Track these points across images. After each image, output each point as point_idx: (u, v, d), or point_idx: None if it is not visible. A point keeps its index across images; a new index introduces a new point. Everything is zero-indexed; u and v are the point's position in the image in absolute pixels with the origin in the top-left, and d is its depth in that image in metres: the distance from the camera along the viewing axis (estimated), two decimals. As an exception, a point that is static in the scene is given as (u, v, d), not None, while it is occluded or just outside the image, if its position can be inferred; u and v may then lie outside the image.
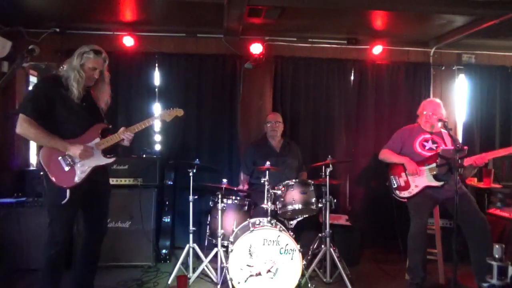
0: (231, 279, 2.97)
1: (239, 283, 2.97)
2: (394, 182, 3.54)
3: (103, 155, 2.67)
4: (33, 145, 4.62)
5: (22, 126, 2.46)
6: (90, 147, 2.59)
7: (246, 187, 4.08)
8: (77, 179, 2.55)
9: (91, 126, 2.65)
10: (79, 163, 2.56)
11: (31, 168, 4.52)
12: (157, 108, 4.54)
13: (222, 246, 3.37)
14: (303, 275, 3.10)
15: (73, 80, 2.53)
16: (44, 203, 2.61)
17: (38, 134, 2.47)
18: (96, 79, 2.68)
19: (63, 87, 2.55)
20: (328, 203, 3.48)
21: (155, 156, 4.06)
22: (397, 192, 3.50)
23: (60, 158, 2.53)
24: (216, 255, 3.38)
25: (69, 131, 2.57)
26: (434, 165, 3.33)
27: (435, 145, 3.48)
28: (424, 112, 3.57)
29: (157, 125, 4.49)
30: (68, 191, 2.49)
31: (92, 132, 2.64)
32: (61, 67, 2.65)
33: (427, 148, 3.49)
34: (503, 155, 3.28)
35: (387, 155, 3.64)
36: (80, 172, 2.56)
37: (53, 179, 2.50)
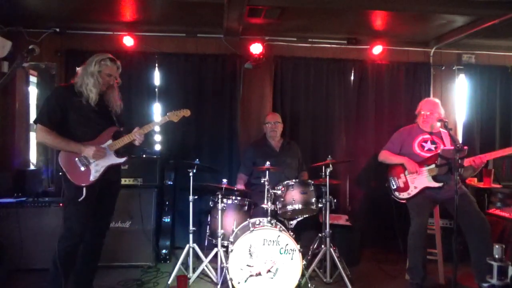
0: (231, 279, 2.97)
1: (239, 283, 2.97)
2: (393, 183, 3.54)
3: (115, 155, 2.85)
4: (33, 145, 4.62)
5: (40, 134, 2.70)
6: (102, 148, 2.78)
7: (242, 186, 4.07)
8: (92, 178, 2.74)
9: (103, 130, 2.84)
10: (94, 163, 2.76)
11: (31, 168, 4.53)
12: (157, 108, 4.54)
13: (222, 246, 3.37)
14: (303, 275, 3.10)
15: (92, 86, 2.73)
16: (63, 200, 2.80)
17: (55, 140, 2.70)
18: (108, 85, 2.87)
19: (76, 95, 2.74)
20: (328, 203, 3.48)
21: (155, 156, 4.06)
22: (396, 193, 3.50)
23: (76, 159, 2.73)
24: (216, 255, 3.38)
25: (84, 135, 2.77)
26: (433, 166, 3.33)
27: (434, 145, 3.48)
28: (422, 112, 3.57)
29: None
30: (84, 189, 2.69)
31: (105, 135, 2.83)
32: (75, 76, 2.82)
33: (426, 148, 3.49)
34: (503, 155, 3.29)
35: (386, 156, 3.64)
36: (95, 171, 2.76)
37: (71, 178, 2.70)
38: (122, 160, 2.89)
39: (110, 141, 2.83)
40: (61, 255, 2.66)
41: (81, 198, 2.67)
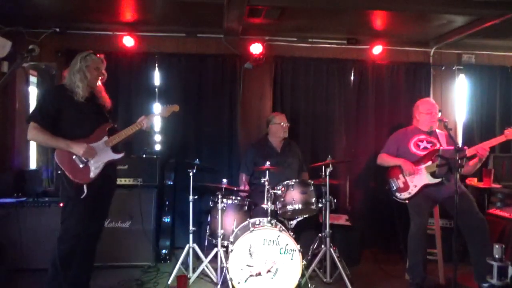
0: (231, 279, 2.97)
1: (239, 283, 2.97)
2: (393, 184, 3.54)
3: (112, 151, 2.87)
4: (33, 146, 4.63)
5: (32, 132, 2.71)
6: (92, 147, 2.77)
7: (247, 187, 4.06)
8: (92, 174, 2.75)
9: (98, 127, 2.86)
10: (93, 160, 2.76)
11: (31, 168, 4.53)
12: (157, 108, 4.54)
13: (222, 246, 3.37)
14: (303, 275, 3.10)
15: (79, 81, 2.76)
16: (62, 199, 2.79)
17: (46, 138, 2.71)
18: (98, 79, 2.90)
19: (69, 93, 2.77)
20: (328, 203, 3.48)
21: (155, 156, 4.06)
22: (397, 194, 3.50)
23: (74, 156, 2.73)
24: (216, 255, 3.38)
25: (79, 132, 2.78)
26: (430, 163, 3.35)
27: (430, 144, 3.50)
28: (419, 112, 3.58)
29: (157, 125, 4.49)
30: (85, 186, 2.69)
31: (100, 131, 2.85)
32: (63, 78, 2.86)
33: (422, 147, 3.51)
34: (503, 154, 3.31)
35: (384, 159, 3.66)
36: (94, 168, 2.76)
37: (70, 176, 2.69)
38: (120, 156, 2.91)
39: (105, 138, 2.86)
40: (61, 257, 2.66)
41: (83, 196, 2.67)
